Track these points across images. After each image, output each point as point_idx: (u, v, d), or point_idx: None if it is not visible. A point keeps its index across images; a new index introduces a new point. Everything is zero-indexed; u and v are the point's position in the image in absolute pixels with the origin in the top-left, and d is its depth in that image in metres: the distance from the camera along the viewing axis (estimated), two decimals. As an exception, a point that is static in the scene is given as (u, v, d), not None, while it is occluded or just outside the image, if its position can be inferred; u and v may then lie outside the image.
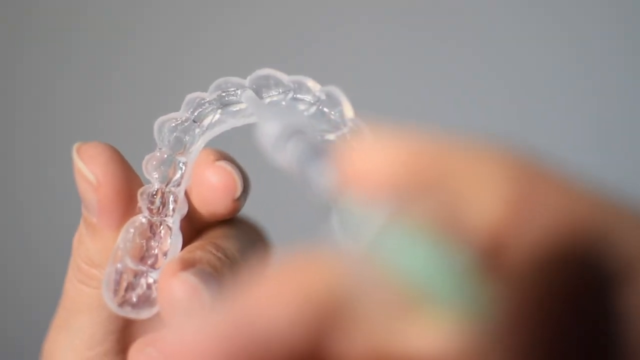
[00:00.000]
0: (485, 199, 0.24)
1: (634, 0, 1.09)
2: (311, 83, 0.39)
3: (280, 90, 0.40)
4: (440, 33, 1.12)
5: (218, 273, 0.40)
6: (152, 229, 0.41)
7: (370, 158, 0.25)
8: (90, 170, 0.40)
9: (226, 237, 0.43)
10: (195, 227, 0.43)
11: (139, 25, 1.15)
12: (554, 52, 1.11)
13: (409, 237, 0.23)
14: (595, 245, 0.24)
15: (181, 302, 0.38)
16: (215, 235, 0.43)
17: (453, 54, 1.12)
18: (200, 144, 0.41)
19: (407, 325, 0.23)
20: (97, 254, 0.41)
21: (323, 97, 0.39)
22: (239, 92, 0.40)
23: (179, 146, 0.41)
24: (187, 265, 0.39)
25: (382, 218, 0.24)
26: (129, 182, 0.41)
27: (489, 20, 1.11)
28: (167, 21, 1.15)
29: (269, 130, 0.30)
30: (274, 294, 0.24)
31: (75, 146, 0.40)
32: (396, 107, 1.12)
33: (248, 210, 0.44)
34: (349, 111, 0.38)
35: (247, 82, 0.40)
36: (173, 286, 0.38)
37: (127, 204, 0.41)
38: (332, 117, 0.40)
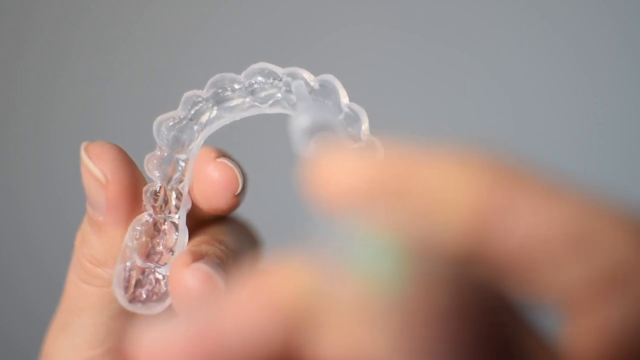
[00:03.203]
0: (455, 207, 0.24)
1: (634, 0, 1.10)
2: (306, 74, 0.40)
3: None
4: (438, 34, 1.13)
5: (225, 264, 0.41)
6: (156, 227, 0.42)
7: (343, 167, 0.25)
8: (98, 168, 0.40)
9: (225, 233, 0.44)
10: (195, 223, 0.44)
11: (138, 24, 1.15)
12: (552, 54, 1.12)
13: (374, 245, 0.23)
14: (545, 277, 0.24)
15: (195, 290, 0.39)
16: (216, 232, 0.44)
17: (450, 55, 1.13)
18: (199, 140, 0.42)
19: (370, 331, 0.23)
20: (102, 252, 0.42)
21: (317, 87, 0.40)
22: (235, 86, 0.42)
23: (178, 144, 0.42)
24: (197, 256, 0.40)
25: (352, 226, 0.24)
26: (135, 180, 0.41)
27: (487, 21, 1.12)
28: (166, 20, 1.15)
29: (300, 123, 0.31)
30: (242, 301, 0.24)
31: (83, 145, 0.41)
32: (392, 109, 1.13)
33: (241, 209, 0.45)
34: (344, 97, 0.39)
35: (242, 76, 0.41)
36: (186, 276, 0.39)
37: (134, 202, 0.41)
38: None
